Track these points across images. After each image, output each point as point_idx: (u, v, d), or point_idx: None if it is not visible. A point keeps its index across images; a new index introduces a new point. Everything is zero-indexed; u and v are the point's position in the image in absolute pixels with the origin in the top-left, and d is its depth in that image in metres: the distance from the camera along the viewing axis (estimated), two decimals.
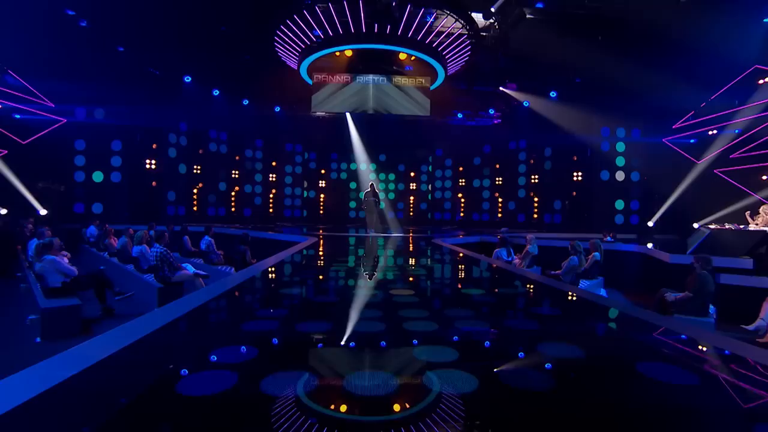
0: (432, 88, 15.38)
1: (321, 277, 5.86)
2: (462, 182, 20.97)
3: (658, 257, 8.13)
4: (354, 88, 14.72)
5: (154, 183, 15.69)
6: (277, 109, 19.72)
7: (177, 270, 7.21)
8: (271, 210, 20.09)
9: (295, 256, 7.97)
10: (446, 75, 14.72)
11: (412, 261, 7.71)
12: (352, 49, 13.41)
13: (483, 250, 11.79)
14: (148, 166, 15.64)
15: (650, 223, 15.28)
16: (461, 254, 8.50)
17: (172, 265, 7.13)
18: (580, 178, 16.81)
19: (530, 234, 10.34)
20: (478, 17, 14.29)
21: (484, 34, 14.73)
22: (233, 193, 18.74)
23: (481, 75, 17.65)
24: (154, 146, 15.70)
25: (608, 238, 13.10)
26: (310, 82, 15.24)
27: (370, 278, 5.54)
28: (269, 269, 6.40)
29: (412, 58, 13.60)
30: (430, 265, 7.27)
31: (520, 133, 18.85)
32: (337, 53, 13.41)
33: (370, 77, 14.64)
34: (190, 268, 7.57)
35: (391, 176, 21.60)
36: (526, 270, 7.38)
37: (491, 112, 20.04)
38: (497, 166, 19.80)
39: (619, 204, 16.18)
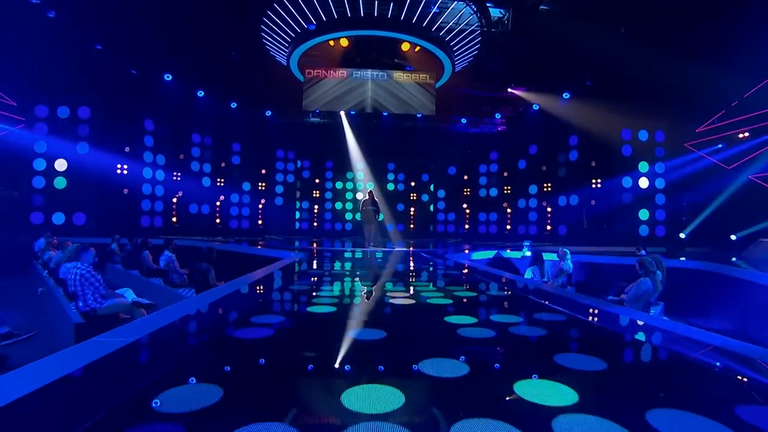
0: (438, 85, 13.57)
1: (300, 319, 3.83)
2: (467, 192, 19.09)
3: (743, 278, 6.18)
4: (350, 85, 12.89)
5: (125, 190, 13.67)
6: (269, 113, 17.93)
7: (108, 297, 5.19)
8: (260, 221, 18.07)
9: (271, 278, 5.96)
10: (453, 70, 12.94)
11: (437, 292, 5.42)
12: (348, 39, 11.63)
13: (500, 267, 9.86)
14: (119, 171, 13.64)
15: (682, 235, 13.37)
16: (494, 277, 6.51)
17: (98, 290, 5.10)
18: (599, 186, 14.95)
19: (563, 248, 8.40)
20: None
21: (494, 30, 13.06)
22: (218, 203, 16.73)
23: (487, 76, 15.97)
24: (127, 149, 13.72)
25: (642, 252, 11.19)
26: (301, 78, 13.41)
27: (386, 335, 3.03)
28: (227, 297, 4.41)
29: (417, 49, 11.82)
30: (468, 298, 4.82)
31: (530, 138, 17.06)
32: (332, 43, 11.63)
33: (369, 72, 12.83)
34: (129, 295, 5.55)
35: (390, 186, 19.73)
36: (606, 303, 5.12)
37: (498, 117, 18.30)
38: (505, 174, 17.95)
39: (644, 214, 14.29)
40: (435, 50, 11.55)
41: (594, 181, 15.00)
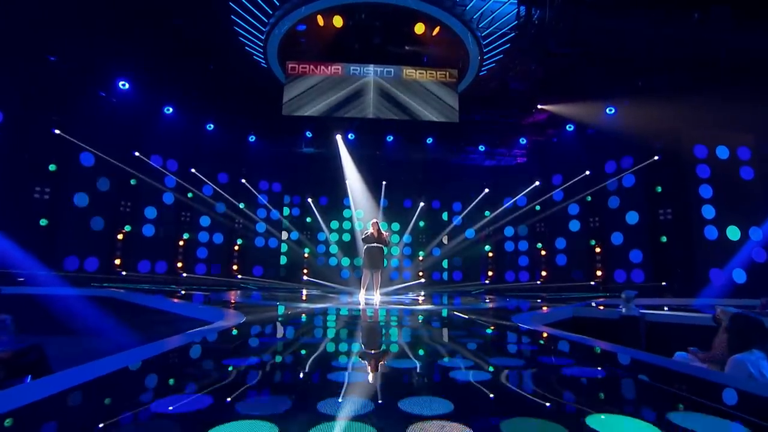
0: (461, 89, 10.24)
1: None
2: (489, 232, 15.27)
3: None
4: (346, 83, 9.54)
5: (44, 221, 9.83)
6: (252, 138, 14.62)
7: None
8: (235, 267, 14.05)
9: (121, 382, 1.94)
10: (480, 64, 9.65)
11: None
12: (342, 17, 8.43)
13: (581, 332, 5.72)
14: (37, 195, 9.91)
15: None
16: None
17: None
18: (669, 218, 11.12)
19: (721, 305, 4.37)
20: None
21: (524, 33, 10.03)
22: (181, 242, 12.83)
23: (510, 98, 12.85)
24: (53, 168, 10.10)
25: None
26: (282, 79, 10.11)
27: None
28: None
29: (435, 31, 8.58)
30: None
31: (566, 165, 13.54)
32: (321, 21, 8.40)
33: (371, 68, 9.54)
34: None
35: (395, 226, 15.98)
36: None
37: (523, 142, 14.90)
38: (538, 208, 14.20)
39: None
40: (459, 27, 8.26)
41: (662, 212, 11.20)
